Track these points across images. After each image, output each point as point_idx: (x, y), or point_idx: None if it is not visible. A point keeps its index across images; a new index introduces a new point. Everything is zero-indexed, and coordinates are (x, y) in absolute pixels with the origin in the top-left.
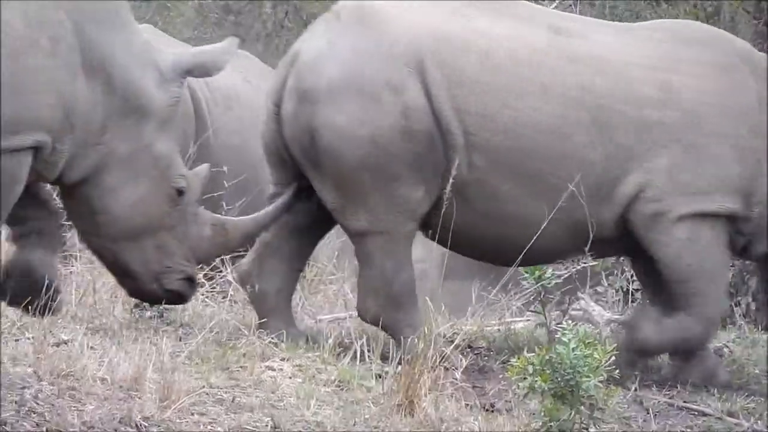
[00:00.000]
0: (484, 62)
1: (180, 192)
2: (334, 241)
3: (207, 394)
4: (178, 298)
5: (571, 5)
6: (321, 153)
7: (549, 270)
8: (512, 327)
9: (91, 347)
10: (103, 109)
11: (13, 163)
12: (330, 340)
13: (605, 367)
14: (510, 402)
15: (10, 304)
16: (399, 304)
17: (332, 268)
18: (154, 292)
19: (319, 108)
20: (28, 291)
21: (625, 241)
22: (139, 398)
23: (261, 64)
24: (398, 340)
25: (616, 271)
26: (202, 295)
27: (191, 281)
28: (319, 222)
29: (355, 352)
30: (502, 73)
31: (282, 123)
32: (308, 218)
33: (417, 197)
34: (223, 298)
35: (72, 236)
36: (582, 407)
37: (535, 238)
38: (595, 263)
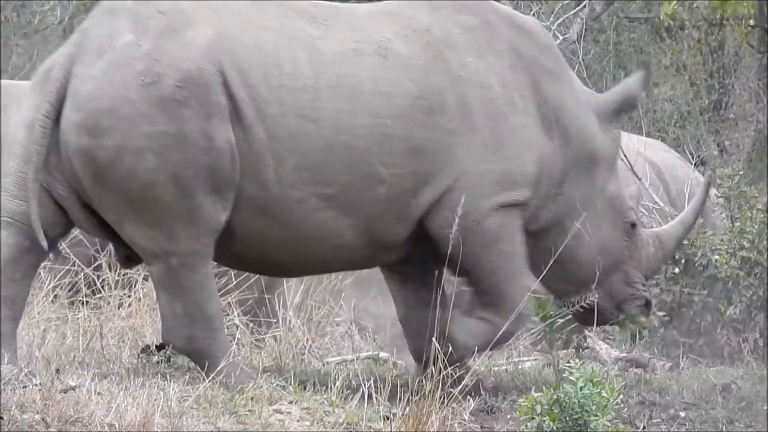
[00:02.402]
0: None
1: (633, 225)
2: (340, 282)
3: None
4: (633, 319)
5: (575, 42)
6: None
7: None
8: (520, 366)
9: (99, 393)
10: (561, 159)
11: (507, 220)
12: (338, 383)
13: (613, 405)
14: None
15: None
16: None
17: (339, 310)
18: (611, 318)
19: None
20: None
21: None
22: None
23: None
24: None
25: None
26: None
27: (648, 304)
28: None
29: (363, 394)
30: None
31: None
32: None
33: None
34: (231, 341)
35: (78, 281)
36: None
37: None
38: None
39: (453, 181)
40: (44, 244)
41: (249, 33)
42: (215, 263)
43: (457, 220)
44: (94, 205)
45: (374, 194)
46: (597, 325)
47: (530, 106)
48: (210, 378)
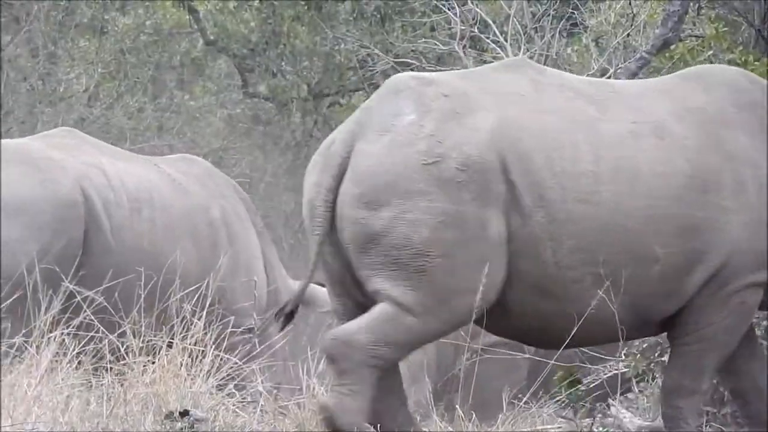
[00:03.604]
0: None
1: None
2: None
3: None
4: None
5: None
6: None
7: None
8: None
9: None
10: None
11: (755, 297)
12: None
13: None
14: None
15: None
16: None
17: None
18: None
19: None
20: None
21: None
22: None
23: (205, 166)
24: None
25: (647, 377)
26: (233, 405)
27: None
28: None
29: None
30: None
31: None
32: None
33: None
34: (254, 408)
35: (103, 348)
36: None
37: None
38: (626, 369)
39: (726, 258)
40: (288, 309)
41: (531, 118)
42: None
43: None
44: (356, 270)
45: (648, 273)
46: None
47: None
48: None
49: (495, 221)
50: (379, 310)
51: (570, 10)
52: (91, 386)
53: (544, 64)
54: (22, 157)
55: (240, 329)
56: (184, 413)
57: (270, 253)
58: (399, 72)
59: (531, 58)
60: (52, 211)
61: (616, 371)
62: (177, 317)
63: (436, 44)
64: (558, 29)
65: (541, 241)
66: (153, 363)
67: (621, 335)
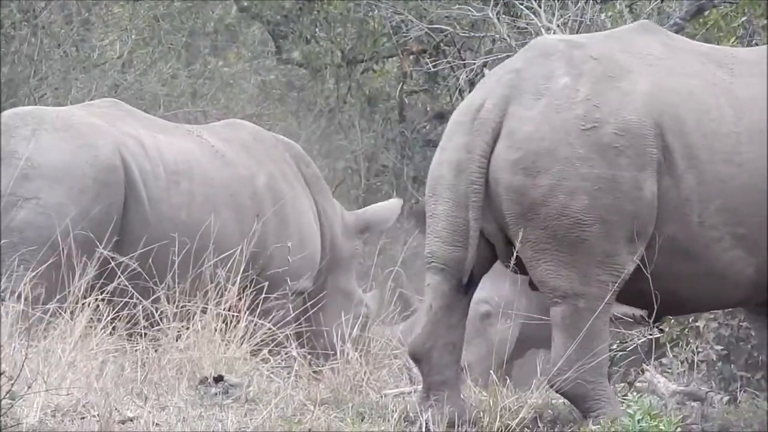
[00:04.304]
0: None
1: None
2: (397, 315)
3: None
4: None
5: None
6: None
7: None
8: None
9: (157, 424)
10: None
11: None
12: (395, 415)
13: None
14: None
15: None
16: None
17: (397, 342)
18: None
19: None
20: None
21: None
22: None
23: (251, 129)
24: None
25: (681, 342)
26: (267, 370)
27: None
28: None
29: (420, 426)
30: None
31: None
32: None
33: None
34: (288, 373)
35: (137, 313)
36: None
37: None
38: (660, 334)
39: None
40: (464, 279)
41: (679, 81)
42: None
43: None
44: (515, 241)
45: None
46: None
47: None
48: (268, 410)
49: (649, 183)
50: (560, 316)
51: None
52: (126, 352)
53: (578, 30)
54: (63, 123)
55: (277, 294)
56: (219, 378)
57: (324, 202)
58: (433, 38)
59: (564, 24)
60: (94, 174)
61: (650, 336)
62: (211, 283)
63: (470, 10)
64: None
65: (688, 202)
66: (187, 329)
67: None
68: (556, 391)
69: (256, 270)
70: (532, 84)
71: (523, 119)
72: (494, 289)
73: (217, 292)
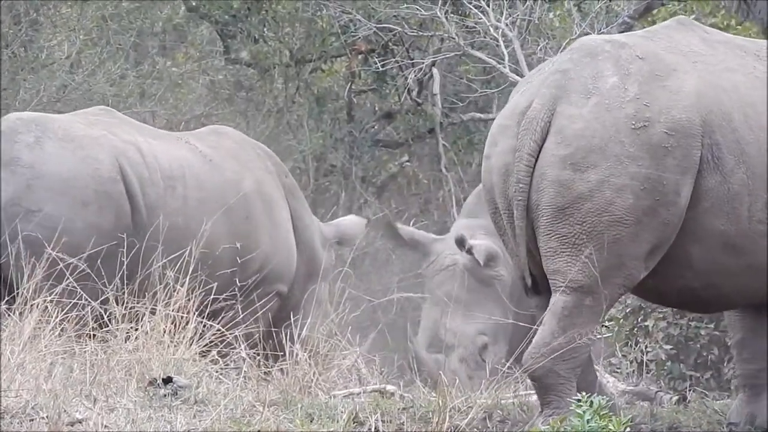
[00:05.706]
0: None
1: None
2: (347, 315)
3: None
4: None
5: None
6: None
7: None
8: (527, 399)
9: (106, 426)
10: None
11: None
12: (344, 416)
13: None
14: None
15: None
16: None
17: (346, 343)
18: None
19: None
20: None
21: None
22: None
23: (236, 137)
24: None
25: (630, 342)
26: (216, 372)
27: None
28: None
29: (370, 428)
30: None
31: None
32: None
33: None
34: (237, 374)
35: (86, 315)
36: None
37: None
38: (609, 335)
39: None
40: (529, 281)
41: (723, 77)
42: None
43: None
44: (538, 235)
45: None
46: None
47: None
48: (217, 411)
49: (686, 189)
50: (561, 305)
51: None
52: (75, 353)
53: (526, 29)
54: (66, 133)
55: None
56: (168, 380)
57: (302, 211)
58: (381, 37)
59: (513, 23)
60: (95, 186)
61: (599, 336)
62: (159, 284)
63: (418, 10)
64: None
65: (738, 197)
66: (136, 330)
67: None
68: (526, 373)
69: (253, 272)
70: (581, 84)
71: (573, 117)
72: (486, 317)
73: (166, 293)
